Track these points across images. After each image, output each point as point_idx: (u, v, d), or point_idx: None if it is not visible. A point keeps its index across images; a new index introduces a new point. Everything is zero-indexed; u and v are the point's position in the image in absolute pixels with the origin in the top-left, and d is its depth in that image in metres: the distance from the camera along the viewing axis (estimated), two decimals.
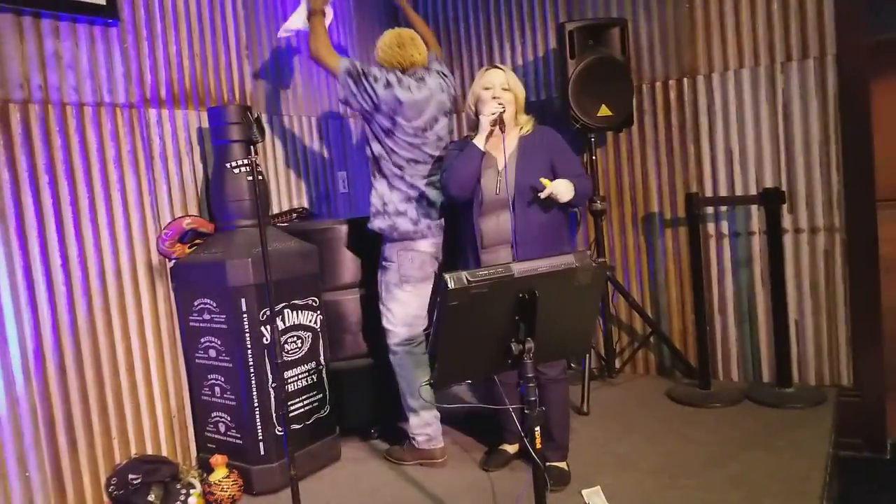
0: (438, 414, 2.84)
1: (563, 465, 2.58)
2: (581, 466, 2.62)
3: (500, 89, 2.52)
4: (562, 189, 2.41)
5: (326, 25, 2.87)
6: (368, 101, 2.68)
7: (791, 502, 2.29)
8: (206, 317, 2.66)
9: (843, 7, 3.09)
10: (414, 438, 2.82)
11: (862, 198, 3.16)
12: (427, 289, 2.80)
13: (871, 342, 3.19)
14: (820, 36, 3.15)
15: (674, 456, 2.70)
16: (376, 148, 2.75)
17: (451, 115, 2.92)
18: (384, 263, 2.79)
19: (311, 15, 2.84)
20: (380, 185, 2.76)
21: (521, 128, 2.57)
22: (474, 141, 2.50)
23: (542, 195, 2.42)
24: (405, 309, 2.75)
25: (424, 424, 2.80)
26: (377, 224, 2.76)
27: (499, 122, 2.45)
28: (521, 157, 2.53)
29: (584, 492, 2.39)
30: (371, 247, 3.08)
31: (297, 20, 2.97)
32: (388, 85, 2.68)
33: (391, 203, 2.73)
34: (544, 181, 2.41)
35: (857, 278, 3.19)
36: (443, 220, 2.79)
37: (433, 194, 2.74)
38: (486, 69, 2.59)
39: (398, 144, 2.71)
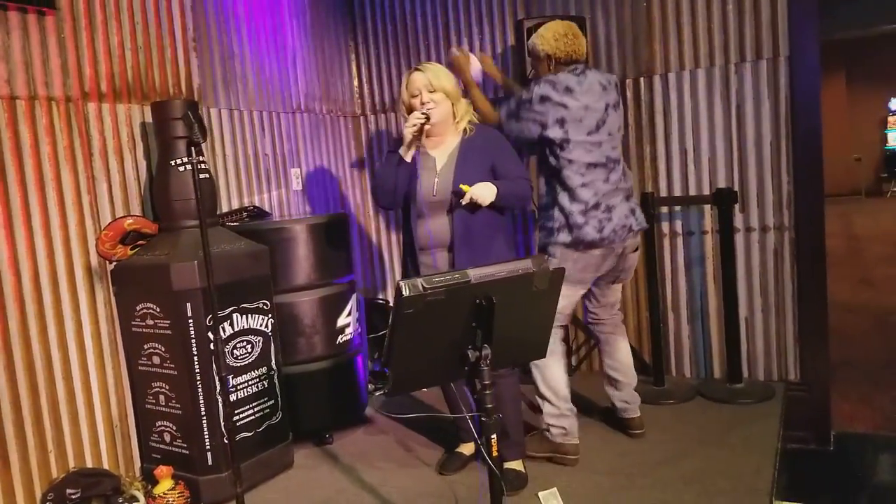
0: (574, 408, 2.72)
1: (519, 466, 2.57)
2: (537, 467, 2.62)
3: (426, 93, 2.44)
4: (482, 193, 2.37)
5: (477, 78, 3.04)
6: (536, 126, 2.60)
7: (742, 498, 2.34)
8: (150, 322, 2.55)
9: (796, 10, 3.13)
10: (548, 429, 2.70)
11: (811, 197, 3.22)
12: (579, 292, 2.72)
13: (817, 338, 3.27)
14: (773, 38, 3.19)
15: (629, 455, 2.72)
16: (553, 162, 2.63)
17: (620, 109, 2.75)
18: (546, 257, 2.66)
19: (468, 88, 2.93)
20: (562, 199, 2.62)
21: (461, 122, 2.50)
22: (400, 150, 2.46)
23: (463, 202, 2.38)
24: None
25: (559, 416, 2.67)
26: (561, 238, 2.61)
27: (420, 132, 2.41)
28: (462, 158, 2.48)
29: (540, 494, 2.38)
30: (326, 246, 3.02)
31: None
32: (544, 99, 2.58)
33: (573, 215, 2.59)
34: (464, 187, 2.37)
35: (804, 276, 3.26)
36: (633, 220, 2.68)
37: (615, 199, 2.64)
38: (409, 73, 2.51)
39: (575, 151, 2.59)
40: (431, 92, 2.44)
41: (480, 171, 2.45)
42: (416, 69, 2.50)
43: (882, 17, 9.55)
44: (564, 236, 2.61)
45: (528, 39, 3.22)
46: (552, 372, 2.66)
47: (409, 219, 2.52)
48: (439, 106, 2.44)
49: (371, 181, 2.58)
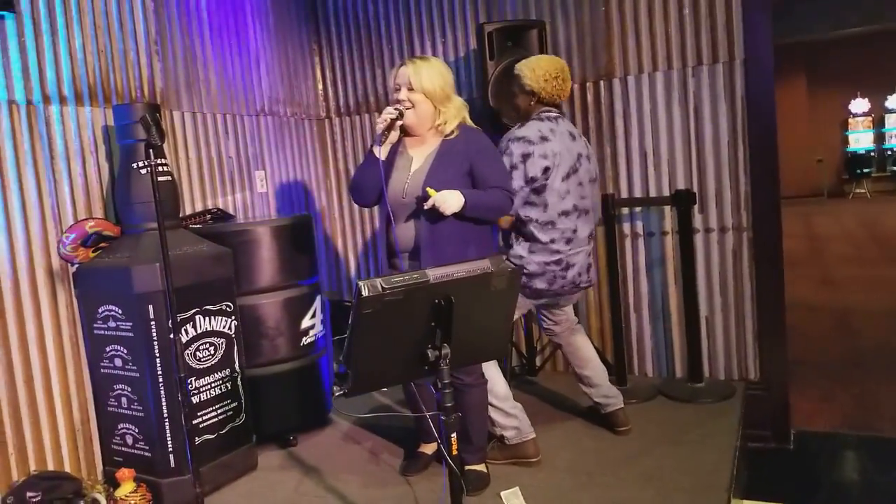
0: (519, 405, 2.70)
1: (481, 467, 2.59)
2: (500, 468, 2.64)
3: (405, 90, 2.36)
4: (446, 200, 2.26)
5: None
6: (529, 184, 2.61)
7: (700, 495, 2.38)
8: (112, 324, 2.54)
9: (750, 14, 3.21)
10: (503, 436, 2.69)
11: (768, 198, 3.30)
12: (520, 313, 2.81)
13: (775, 337, 3.35)
14: (728, 41, 3.26)
15: (591, 453, 2.76)
16: (526, 212, 2.65)
17: (593, 161, 2.83)
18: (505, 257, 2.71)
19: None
20: (519, 248, 2.67)
21: (442, 125, 2.40)
22: (373, 147, 2.39)
23: (426, 205, 2.29)
24: None
25: (507, 416, 2.65)
26: None
27: (389, 128, 2.34)
28: (438, 161, 2.39)
29: (502, 493, 2.40)
30: (290, 248, 3.02)
31: None
32: (525, 157, 2.58)
33: (528, 265, 2.65)
34: (429, 190, 2.28)
35: (762, 276, 3.34)
36: (584, 278, 2.76)
37: (575, 256, 2.71)
38: (397, 67, 2.41)
39: (550, 197, 2.63)
40: (411, 90, 2.35)
41: (456, 175, 2.36)
42: (403, 62, 2.39)
43: (842, 19, 9.81)
44: None
45: (488, 43, 3.26)
46: (489, 375, 2.61)
47: (382, 220, 2.47)
48: (417, 106, 2.35)
49: (352, 179, 2.54)
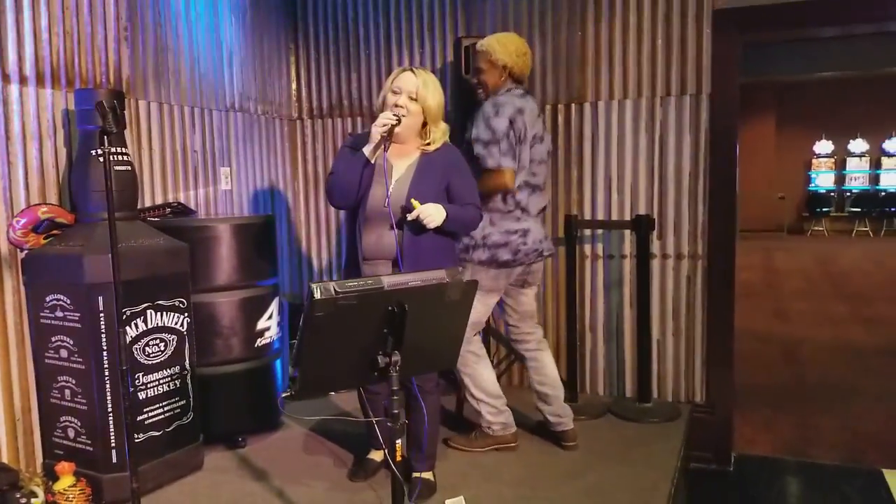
0: (506, 399, 2.93)
1: (428, 475, 2.60)
2: (448, 477, 2.66)
3: (406, 97, 2.36)
4: (430, 213, 2.33)
5: None
6: (508, 137, 2.69)
7: None
8: (59, 314, 2.48)
9: (719, 51, 3.31)
10: (489, 428, 2.91)
11: (724, 229, 3.40)
12: (495, 299, 2.85)
13: (723, 363, 3.45)
14: (697, 75, 3.36)
15: (537, 467, 2.80)
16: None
17: (546, 140, 2.90)
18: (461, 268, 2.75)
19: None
20: (482, 221, 2.68)
21: (428, 142, 2.45)
22: (363, 149, 2.38)
23: (410, 217, 2.34)
24: None
25: (498, 413, 2.89)
26: (476, 256, 2.74)
27: (389, 134, 2.33)
28: (419, 173, 2.43)
29: (447, 502, 2.42)
30: (250, 248, 3.00)
31: None
32: (514, 118, 2.69)
33: (491, 236, 2.73)
34: (414, 202, 2.33)
35: (714, 303, 3.43)
36: (544, 245, 2.87)
37: (532, 223, 2.80)
38: (401, 71, 2.41)
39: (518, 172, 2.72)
40: (412, 99, 2.37)
41: (435, 189, 2.41)
42: (411, 69, 2.40)
43: (812, 63, 10.20)
44: (480, 254, 2.74)
45: (465, 58, 3.31)
46: (483, 376, 2.85)
47: (356, 225, 2.46)
48: (412, 116, 2.37)
49: (329, 177, 2.49)
